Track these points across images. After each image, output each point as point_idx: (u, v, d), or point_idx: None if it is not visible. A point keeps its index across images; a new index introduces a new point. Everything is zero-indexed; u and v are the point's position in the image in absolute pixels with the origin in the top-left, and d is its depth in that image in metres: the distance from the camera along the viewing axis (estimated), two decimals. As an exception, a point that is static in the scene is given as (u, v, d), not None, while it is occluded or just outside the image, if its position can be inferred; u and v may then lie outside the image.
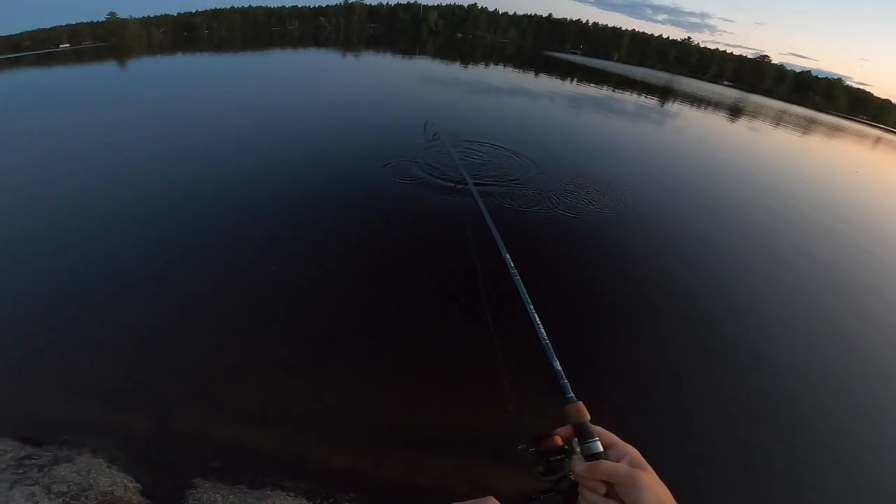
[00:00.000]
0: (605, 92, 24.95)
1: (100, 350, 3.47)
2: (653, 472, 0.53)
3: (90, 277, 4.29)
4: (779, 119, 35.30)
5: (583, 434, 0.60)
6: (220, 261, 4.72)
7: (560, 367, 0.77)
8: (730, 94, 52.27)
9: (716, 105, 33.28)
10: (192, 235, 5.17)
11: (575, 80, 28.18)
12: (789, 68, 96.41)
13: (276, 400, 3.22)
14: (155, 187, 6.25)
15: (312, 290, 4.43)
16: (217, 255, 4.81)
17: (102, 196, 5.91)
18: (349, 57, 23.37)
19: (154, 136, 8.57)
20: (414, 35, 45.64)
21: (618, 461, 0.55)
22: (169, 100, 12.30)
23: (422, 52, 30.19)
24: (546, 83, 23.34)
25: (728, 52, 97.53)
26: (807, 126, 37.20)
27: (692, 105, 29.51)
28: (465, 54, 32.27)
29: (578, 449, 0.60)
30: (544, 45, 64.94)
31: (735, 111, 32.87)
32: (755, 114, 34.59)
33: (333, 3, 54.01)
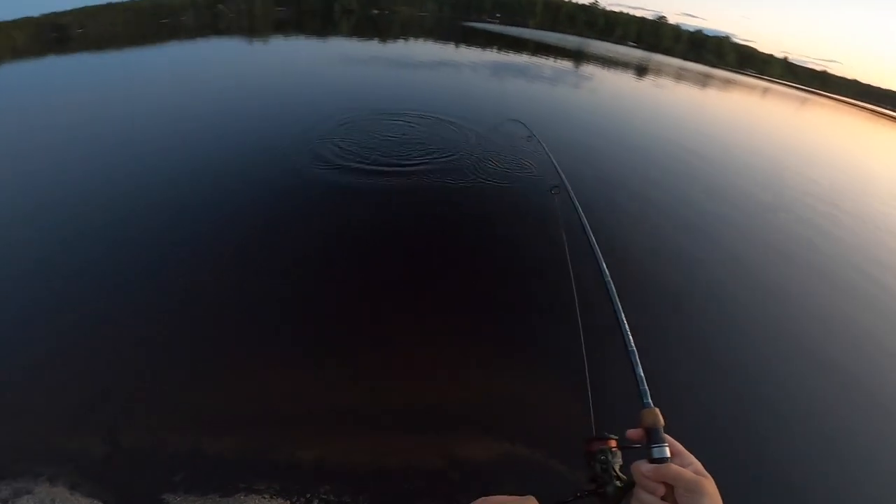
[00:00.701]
0: (525, 58, 25.72)
1: (38, 373, 3.19)
2: (714, 483, 0.55)
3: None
4: (679, 76, 38.78)
5: (654, 438, 0.61)
6: (158, 265, 4.43)
7: (643, 374, 0.74)
8: (635, 54, 56.20)
9: (624, 65, 35.68)
10: (126, 244, 4.74)
11: (496, 48, 28.63)
12: (684, 28, 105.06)
13: (233, 401, 3.12)
14: (43, 204, 5.54)
15: (253, 287, 4.31)
16: (154, 261, 4.49)
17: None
18: (256, 43, 21.64)
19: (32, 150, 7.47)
20: (326, 15, 43.07)
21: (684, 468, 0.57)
22: (45, 108, 10.66)
23: (337, 33, 28.72)
24: (469, 53, 23.47)
25: (631, 14, 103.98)
26: (703, 81, 41.34)
27: (604, 66, 31.38)
28: (384, 31, 31.26)
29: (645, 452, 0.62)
30: (462, 16, 64.64)
31: (641, 70, 35.51)
32: (659, 71, 37.69)
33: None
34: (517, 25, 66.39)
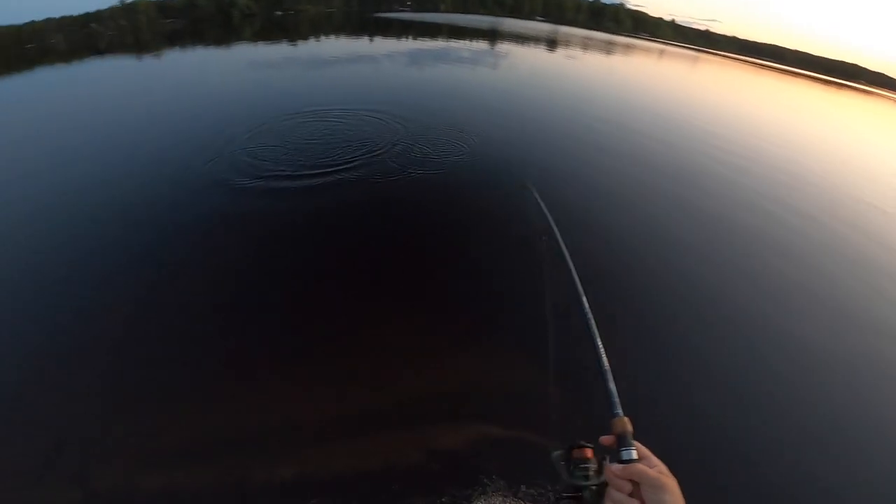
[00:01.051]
0: (441, 43, 25.76)
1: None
2: (676, 485, 0.62)
3: None
4: (585, 45, 41.01)
5: (623, 443, 0.68)
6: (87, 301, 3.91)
7: (614, 388, 0.81)
8: (544, 28, 58.55)
9: (536, 40, 37.04)
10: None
11: (410, 36, 28.36)
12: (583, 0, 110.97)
13: (200, 429, 2.94)
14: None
15: (196, 308, 3.99)
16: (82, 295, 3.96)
17: None
18: (148, 59, 19.62)
19: None
20: (224, 22, 40.02)
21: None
22: None
23: (240, 39, 26.80)
24: (384, 44, 23.01)
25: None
26: (607, 47, 44.05)
27: (518, 43, 32.35)
28: (291, 31, 29.65)
29: (610, 458, 0.69)
30: (372, 8, 63.07)
31: (552, 43, 37.07)
32: (567, 43, 39.56)
33: (107, 7, 43.76)
34: (429, 11, 66.17)
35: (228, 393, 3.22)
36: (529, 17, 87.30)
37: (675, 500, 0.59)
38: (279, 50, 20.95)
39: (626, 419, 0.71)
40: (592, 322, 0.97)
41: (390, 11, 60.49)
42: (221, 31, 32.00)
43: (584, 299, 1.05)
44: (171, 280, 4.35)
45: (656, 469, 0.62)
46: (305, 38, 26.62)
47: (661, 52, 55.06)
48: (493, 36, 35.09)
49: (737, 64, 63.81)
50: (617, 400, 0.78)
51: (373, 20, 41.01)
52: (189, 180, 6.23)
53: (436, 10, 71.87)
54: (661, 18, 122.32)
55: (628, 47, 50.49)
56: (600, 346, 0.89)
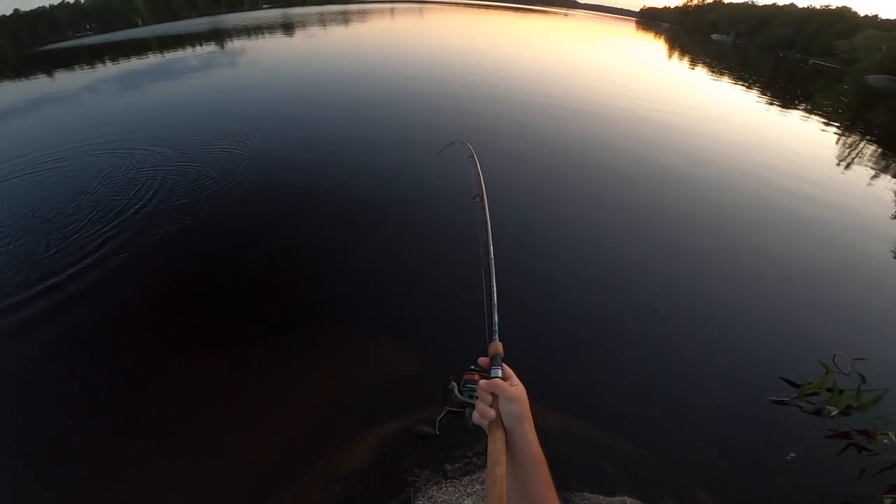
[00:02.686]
0: (156, 59, 21.51)
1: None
2: (524, 394, 0.71)
3: None
4: (322, 21, 40.55)
5: (494, 362, 0.78)
6: None
7: (497, 317, 0.92)
8: (274, 14, 54.96)
9: (269, 28, 34.61)
10: None
11: (107, 61, 22.66)
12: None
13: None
14: None
15: None
16: None
17: None
18: None
19: None
20: None
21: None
22: None
23: None
24: (73, 79, 17.87)
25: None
26: (344, 18, 44.55)
27: (250, 36, 29.65)
28: None
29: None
30: (37, 41, 47.74)
31: (288, 27, 35.30)
32: (304, 23, 38.31)
33: None
34: (122, 28, 53.60)
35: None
36: (254, 7, 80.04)
37: (522, 409, 0.69)
38: None
39: (499, 343, 0.83)
40: (492, 263, 1.11)
41: (65, 41, 46.75)
42: None
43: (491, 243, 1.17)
44: None
45: (510, 383, 0.73)
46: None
47: (391, 11, 59.25)
48: (218, 36, 31.09)
49: (452, 8, 73.62)
50: (496, 328, 0.91)
51: (41, 56, 31.13)
52: None
53: (131, 25, 58.81)
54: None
55: (362, 13, 52.26)
56: (494, 283, 1.03)
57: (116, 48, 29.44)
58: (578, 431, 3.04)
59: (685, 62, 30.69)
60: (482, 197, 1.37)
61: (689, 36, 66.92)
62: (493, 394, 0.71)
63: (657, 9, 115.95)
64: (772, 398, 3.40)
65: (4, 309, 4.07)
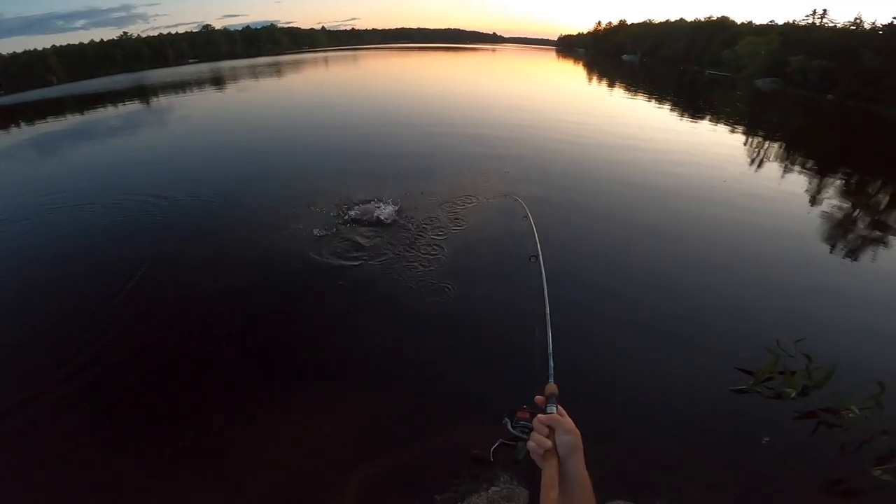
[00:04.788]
0: (73, 120, 20.03)
1: None
2: (578, 433, 0.80)
3: None
4: (254, 73, 40.34)
5: (550, 401, 0.88)
6: None
7: (552, 362, 1.10)
8: (202, 69, 53.78)
9: (199, 83, 33.79)
10: None
11: (22, 123, 20.74)
12: (232, 29, 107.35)
13: None
14: None
15: None
16: None
17: None
18: None
19: None
20: None
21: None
22: None
23: None
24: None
25: (174, 32, 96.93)
26: (275, 69, 44.67)
27: (178, 92, 28.71)
28: None
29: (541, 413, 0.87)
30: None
31: (218, 81, 34.69)
32: (234, 77, 37.85)
33: None
34: (36, 87, 49.85)
35: None
36: (179, 62, 78.10)
37: (576, 441, 0.78)
38: None
39: (554, 385, 0.94)
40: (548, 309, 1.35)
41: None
42: None
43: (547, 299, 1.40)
44: None
45: (566, 419, 0.83)
46: None
47: (325, 59, 60.21)
48: (142, 93, 29.75)
49: (386, 52, 76.43)
50: (552, 371, 1.06)
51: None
52: None
53: (45, 84, 54.96)
54: (313, 29, 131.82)
55: (296, 63, 52.67)
56: (549, 332, 1.23)
57: (33, 108, 27.15)
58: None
59: (605, 84, 33.77)
60: (538, 258, 1.65)
61: (604, 59, 74.04)
62: (549, 426, 0.80)
63: (573, 35, 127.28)
64: (731, 388, 3.53)
65: None
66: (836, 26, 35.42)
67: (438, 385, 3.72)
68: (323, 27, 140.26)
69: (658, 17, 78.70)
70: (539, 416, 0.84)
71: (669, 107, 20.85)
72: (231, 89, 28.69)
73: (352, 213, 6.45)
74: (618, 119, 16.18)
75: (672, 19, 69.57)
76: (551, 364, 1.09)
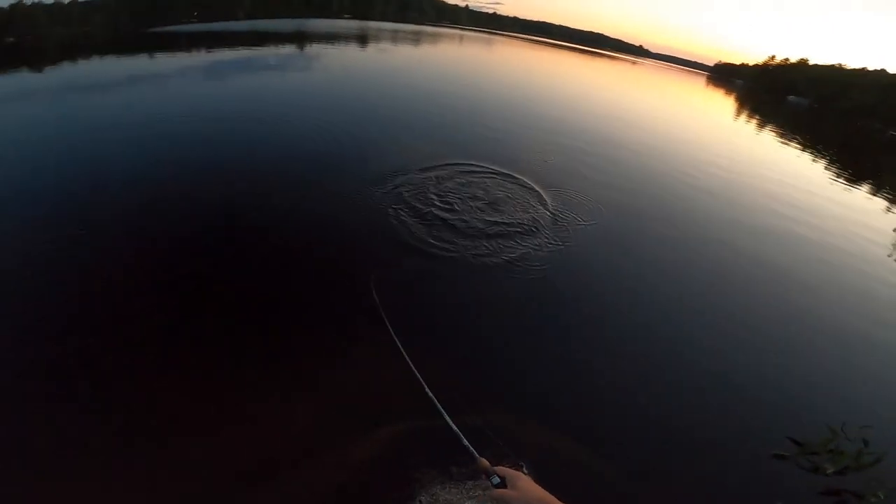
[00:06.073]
0: (244, 52, 23.86)
1: None
2: (528, 486, 0.79)
3: None
4: (395, 38, 43.21)
5: (488, 475, 0.86)
6: None
7: (468, 444, 1.02)
8: (353, 25, 59.17)
9: (346, 38, 37.34)
10: None
11: (203, 49, 25.35)
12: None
13: None
14: None
15: None
16: None
17: None
18: None
19: None
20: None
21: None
22: None
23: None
24: (168, 62, 20.19)
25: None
26: (416, 37, 47.18)
27: (328, 43, 32.12)
28: (33, 61, 23.39)
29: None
30: (149, 23, 53.78)
31: (362, 39, 37.93)
32: (378, 38, 41.01)
33: None
34: (223, 20, 59.50)
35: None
36: (338, 15, 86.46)
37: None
38: (23, 81, 16.42)
39: (483, 460, 0.91)
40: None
41: (174, 24, 52.52)
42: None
43: None
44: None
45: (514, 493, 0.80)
46: (55, 63, 21.30)
47: (461, 38, 61.88)
48: (300, 39, 33.93)
49: (521, 42, 75.58)
50: (472, 450, 0.98)
51: (149, 36, 35.26)
52: None
53: (232, 17, 65.04)
54: (457, 5, 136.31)
55: (434, 35, 55.05)
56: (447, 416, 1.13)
57: (214, 37, 32.81)
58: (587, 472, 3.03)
59: (755, 122, 29.65)
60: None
61: (763, 96, 64.51)
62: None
63: (733, 65, 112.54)
64: (773, 452, 3.40)
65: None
66: None
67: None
68: (467, 5, 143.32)
69: (851, 64, 65.69)
70: (492, 494, 0.83)
71: (825, 163, 17.78)
72: (371, 48, 31.18)
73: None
74: (753, 168, 14.36)
75: (870, 68, 57.79)
76: (465, 443, 1.02)
